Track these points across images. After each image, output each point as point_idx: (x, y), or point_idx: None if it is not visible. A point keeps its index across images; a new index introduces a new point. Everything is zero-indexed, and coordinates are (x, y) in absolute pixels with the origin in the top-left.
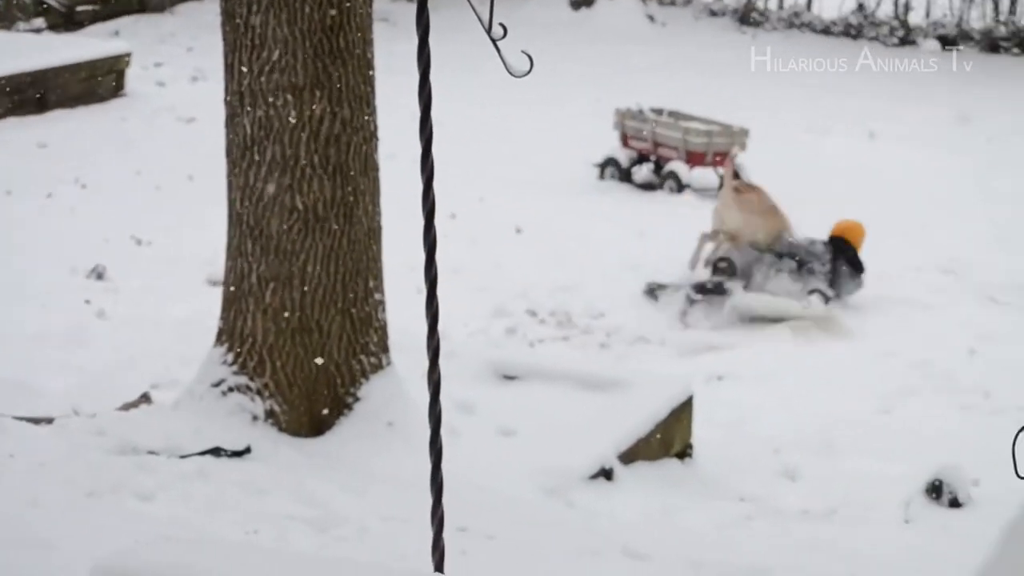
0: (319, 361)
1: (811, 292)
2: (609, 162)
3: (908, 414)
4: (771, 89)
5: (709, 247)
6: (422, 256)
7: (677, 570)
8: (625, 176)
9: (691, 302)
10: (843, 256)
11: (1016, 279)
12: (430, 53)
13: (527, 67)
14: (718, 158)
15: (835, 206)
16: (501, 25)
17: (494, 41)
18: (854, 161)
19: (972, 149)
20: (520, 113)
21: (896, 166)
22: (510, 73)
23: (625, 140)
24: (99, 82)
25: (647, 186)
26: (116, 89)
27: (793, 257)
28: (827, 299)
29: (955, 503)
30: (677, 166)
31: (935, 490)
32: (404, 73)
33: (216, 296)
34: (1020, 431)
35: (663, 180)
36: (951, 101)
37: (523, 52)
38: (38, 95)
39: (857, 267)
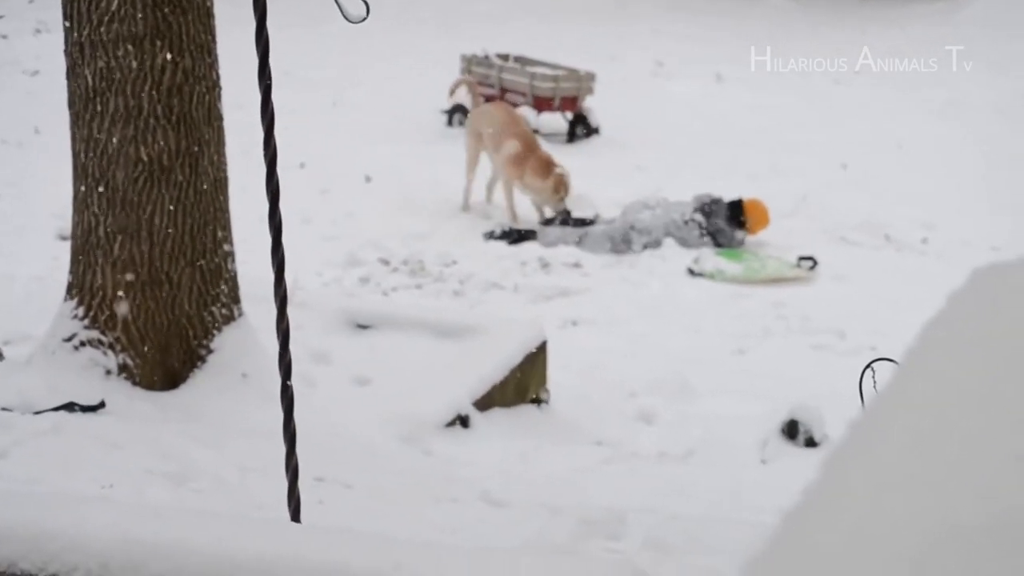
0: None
1: (803, 259)
2: (457, 109)
3: (763, 355)
4: (617, 33)
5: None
6: None
7: (535, 515)
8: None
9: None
10: (729, 215)
11: (866, 218)
12: (265, 2)
13: (364, 13)
14: (566, 102)
15: (685, 149)
16: None
17: None
18: (702, 105)
19: (818, 91)
20: (366, 62)
21: (743, 109)
22: (346, 19)
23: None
24: None
25: None
26: None
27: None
28: (814, 264)
29: (811, 442)
30: (525, 111)
31: (791, 430)
32: (248, 22)
33: (67, 250)
34: (865, 370)
35: None
36: (798, 45)
37: None
38: None
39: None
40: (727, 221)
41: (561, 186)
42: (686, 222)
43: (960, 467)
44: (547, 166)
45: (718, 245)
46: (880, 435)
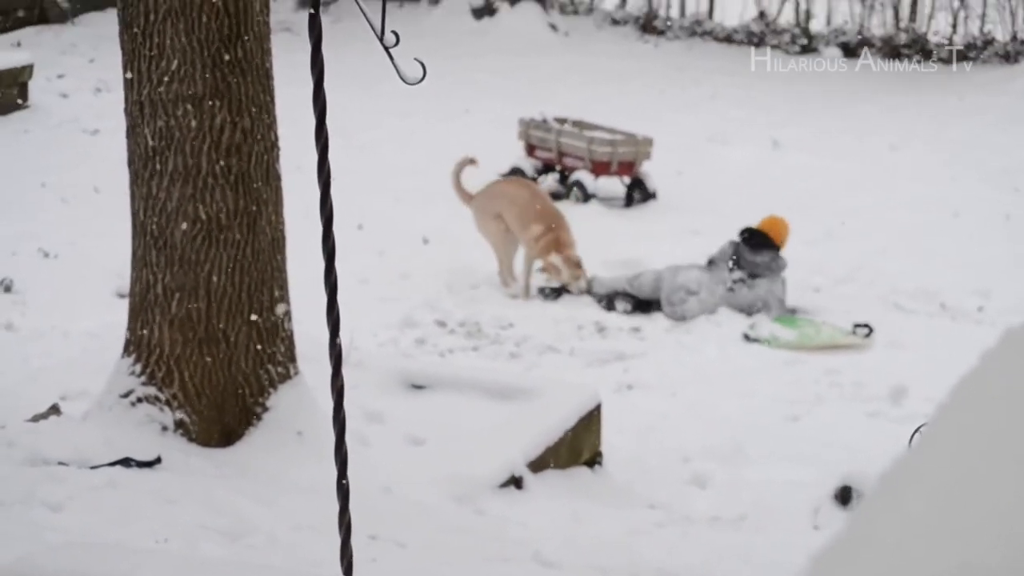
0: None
1: (859, 326)
2: (515, 172)
3: (817, 421)
4: (674, 98)
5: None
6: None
7: None
8: None
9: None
10: (748, 245)
11: (922, 285)
12: (323, 61)
13: (420, 75)
14: (623, 167)
15: (739, 214)
16: (394, 33)
17: (386, 49)
18: (758, 170)
19: (874, 157)
20: (425, 124)
21: (799, 174)
22: (403, 81)
23: (530, 150)
24: (2, 94)
25: (553, 196)
26: (19, 101)
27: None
28: (870, 331)
29: None
30: (583, 176)
31: (844, 496)
32: (307, 83)
33: (124, 308)
34: (913, 435)
35: (569, 190)
36: (853, 110)
37: (416, 60)
38: None
39: (760, 248)
40: (755, 251)
41: (571, 267)
42: (731, 289)
43: (983, 517)
44: (559, 247)
45: (756, 276)
46: (909, 487)
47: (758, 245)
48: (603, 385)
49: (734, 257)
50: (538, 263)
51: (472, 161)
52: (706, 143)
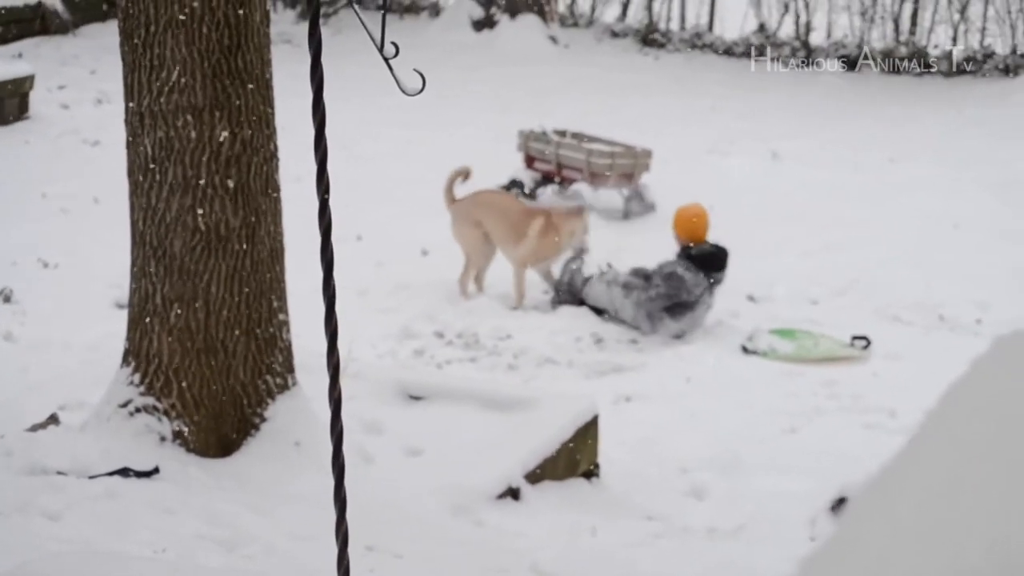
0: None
1: (857, 338)
2: (514, 184)
3: (814, 433)
4: (674, 110)
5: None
6: None
7: None
8: (530, 198)
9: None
10: (708, 269)
11: (920, 298)
12: (323, 72)
13: (420, 86)
14: (622, 179)
15: (738, 226)
16: (393, 44)
17: (386, 60)
18: (757, 181)
19: (873, 169)
20: (425, 135)
21: (798, 186)
22: (403, 91)
23: (529, 161)
24: (3, 105)
25: None
26: (20, 112)
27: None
28: (868, 343)
29: None
30: (581, 187)
31: (840, 507)
32: (306, 94)
33: (124, 318)
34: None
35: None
36: (854, 123)
37: (416, 71)
38: None
39: (713, 263)
40: (718, 269)
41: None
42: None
43: (970, 520)
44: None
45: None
46: (896, 490)
47: (710, 262)
48: (601, 397)
49: (710, 280)
50: (541, 265)
51: (466, 173)
52: (705, 155)
